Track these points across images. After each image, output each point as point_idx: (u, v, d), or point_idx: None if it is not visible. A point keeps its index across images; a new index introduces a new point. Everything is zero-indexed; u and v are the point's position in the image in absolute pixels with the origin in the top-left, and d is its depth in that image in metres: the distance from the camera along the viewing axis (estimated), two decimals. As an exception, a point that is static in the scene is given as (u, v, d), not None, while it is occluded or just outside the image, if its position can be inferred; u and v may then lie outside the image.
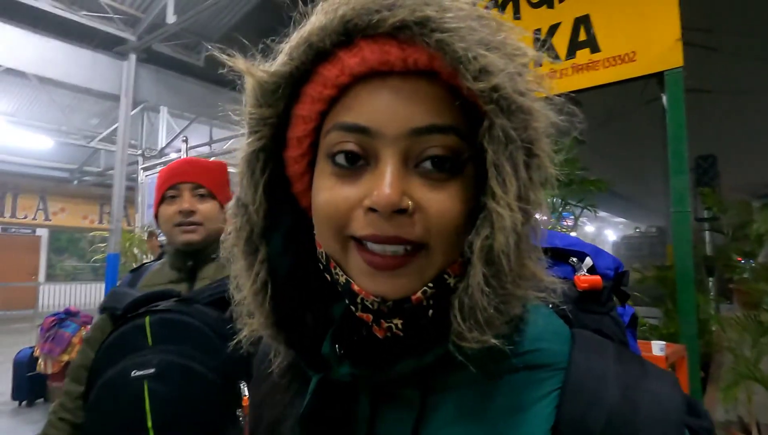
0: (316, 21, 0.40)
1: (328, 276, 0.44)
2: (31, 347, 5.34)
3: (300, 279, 0.46)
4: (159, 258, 1.44)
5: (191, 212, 1.28)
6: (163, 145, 9.44)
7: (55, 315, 5.18)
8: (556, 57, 3.00)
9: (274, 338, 0.46)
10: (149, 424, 1.02)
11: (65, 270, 13.88)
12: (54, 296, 11.92)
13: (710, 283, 6.37)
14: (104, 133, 9.67)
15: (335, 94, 0.40)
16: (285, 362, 0.49)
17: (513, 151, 0.36)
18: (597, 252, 0.66)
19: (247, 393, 1.12)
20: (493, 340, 0.38)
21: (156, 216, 1.35)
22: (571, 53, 3.04)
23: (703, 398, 3.07)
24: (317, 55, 0.40)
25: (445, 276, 0.41)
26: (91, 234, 8.30)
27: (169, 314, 1.14)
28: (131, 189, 8.28)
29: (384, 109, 0.38)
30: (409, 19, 0.36)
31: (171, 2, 5.87)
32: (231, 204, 0.46)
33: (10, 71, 6.59)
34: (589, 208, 3.29)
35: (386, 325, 0.41)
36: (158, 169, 7.40)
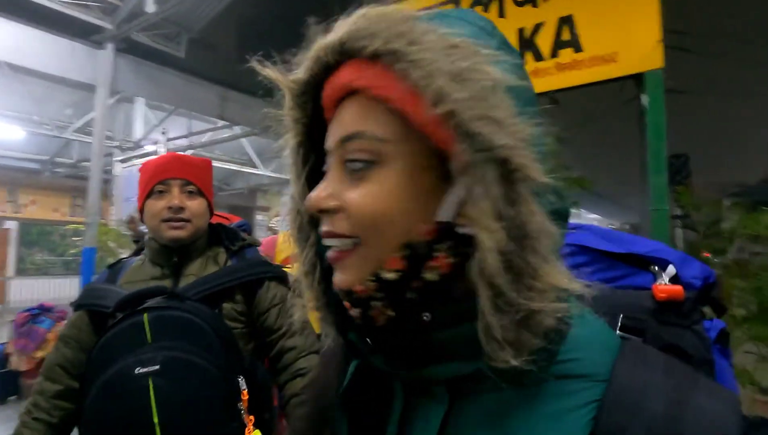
0: (328, 37, 0.45)
1: None
2: (1, 343, 5.19)
3: None
4: (136, 253, 1.43)
5: (181, 208, 1.29)
6: (140, 137, 9.26)
7: (28, 310, 5.06)
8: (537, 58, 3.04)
9: (324, 319, 0.51)
10: (155, 420, 1.02)
11: (36, 264, 13.49)
12: (25, 291, 11.59)
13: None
14: (78, 124, 9.42)
15: (335, 105, 0.47)
16: (335, 343, 0.53)
17: (481, 173, 0.38)
18: (684, 260, 0.63)
19: (245, 387, 1.13)
20: (525, 365, 0.38)
21: (141, 210, 1.34)
22: (554, 52, 3.09)
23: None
24: (326, 68, 0.46)
25: (380, 271, 0.43)
26: (65, 227, 8.08)
27: (168, 311, 1.13)
28: (106, 181, 8.12)
29: (336, 126, 0.45)
30: (381, 49, 0.41)
31: (151, -10, 5.74)
32: (285, 198, 0.53)
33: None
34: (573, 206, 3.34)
35: (354, 311, 0.45)
36: (135, 161, 7.32)
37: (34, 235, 13.52)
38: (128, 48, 6.46)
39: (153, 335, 1.10)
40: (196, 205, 1.32)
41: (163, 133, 6.36)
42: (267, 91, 0.51)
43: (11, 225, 13.08)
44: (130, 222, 3.77)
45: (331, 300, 0.49)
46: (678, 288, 0.57)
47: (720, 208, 4.69)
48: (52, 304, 5.30)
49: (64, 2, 5.71)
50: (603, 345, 0.45)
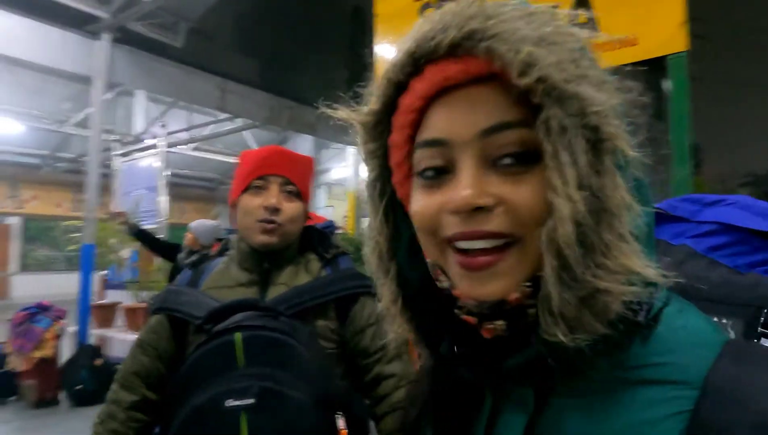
0: (392, 59, 0.45)
1: (438, 284, 0.47)
2: (0, 343, 5.11)
3: (430, 288, 0.50)
4: (221, 253, 1.32)
5: (276, 210, 1.17)
6: (141, 131, 9.14)
7: (26, 309, 4.95)
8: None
9: (416, 341, 0.51)
10: None
11: (39, 260, 13.49)
12: (27, 287, 11.59)
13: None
14: (77, 118, 9.30)
15: (416, 118, 0.44)
16: (428, 365, 0.56)
17: (570, 139, 0.37)
18: None
19: (343, 426, 1.02)
20: (568, 338, 0.37)
21: (233, 205, 1.23)
22: (570, 36, 2.93)
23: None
24: (397, 87, 0.45)
25: (542, 274, 0.40)
26: (65, 223, 8.01)
27: (264, 332, 1.02)
28: (106, 176, 8.01)
29: (453, 120, 0.42)
30: (458, 36, 0.40)
31: (146, -22, 5.57)
32: (366, 228, 0.53)
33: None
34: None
35: (489, 326, 0.43)
36: (135, 155, 7.22)
37: (36, 230, 13.52)
38: (124, 38, 6.30)
39: (246, 358, 1.00)
40: (293, 208, 1.20)
41: (162, 126, 6.21)
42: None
43: (13, 220, 13.06)
44: (118, 216, 3.80)
45: (418, 323, 0.50)
46: None
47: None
48: (49, 303, 5.21)
49: (56, -9, 5.55)
50: (701, 346, 0.41)
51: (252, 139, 10.93)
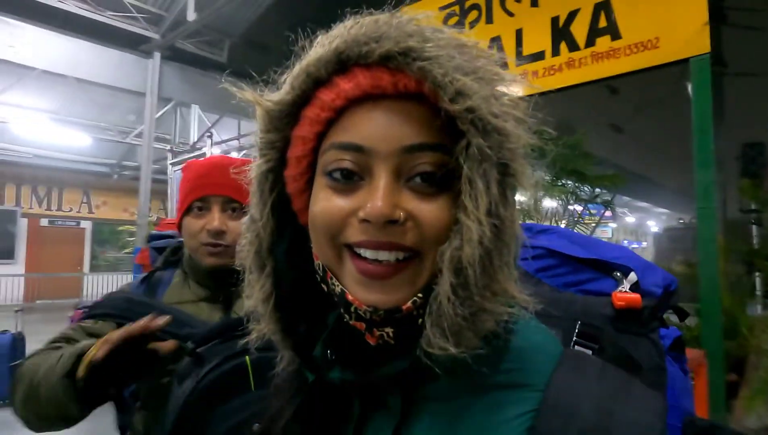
0: (313, 53, 0.44)
1: (324, 286, 0.47)
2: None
3: (303, 290, 0.50)
4: (167, 265, 1.25)
5: (221, 232, 1.11)
6: (195, 140, 9.66)
7: (84, 307, 5.33)
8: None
9: (280, 343, 0.51)
10: None
11: (107, 261, 14.46)
12: (97, 286, 12.46)
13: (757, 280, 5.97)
14: (139, 130, 9.97)
15: (332, 116, 0.44)
16: (291, 367, 0.54)
17: (487, 169, 0.39)
18: (646, 267, 0.64)
19: None
20: (455, 351, 0.39)
21: (179, 226, 1.18)
22: (590, 41, 2.87)
23: (736, 403, 2.91)
24: (315, 82, 0.44)
25: (434, 286, 0.42)
26: (120, 228, 8.58)
27: (269, 353, 0.99)
28: (164, 182, 8.53)
29: (377, 129, 0.42)
30: (394, 49, 0.40)
31: (191, 0, 5.94)
32: (245, 220, 0.51)
33: (48, 71, 6.83)
34: (605, 204, 3.12)
35: (378, 333, 0.44)
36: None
37: (105, 233, 14.51)
38: (174, 56, 6.73)
39: (256, 382, 0.95)
40: (238, 226, 1.09)
41: (209, 136, 6.57)
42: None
43: (86, 225, 14.10)
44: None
45: (288, 324, 0.50)
46: (636, 296, 0.58)
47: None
48: (106, 301, 5.59)
49: (113, 15, 6.03)
50: (545, 354, 0.46)
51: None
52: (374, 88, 0.42)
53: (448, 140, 0.41)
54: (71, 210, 13.80)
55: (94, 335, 1.01)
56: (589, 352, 0.54)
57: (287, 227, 0.50)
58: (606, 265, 0.63)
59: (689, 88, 2.53)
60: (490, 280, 0.40)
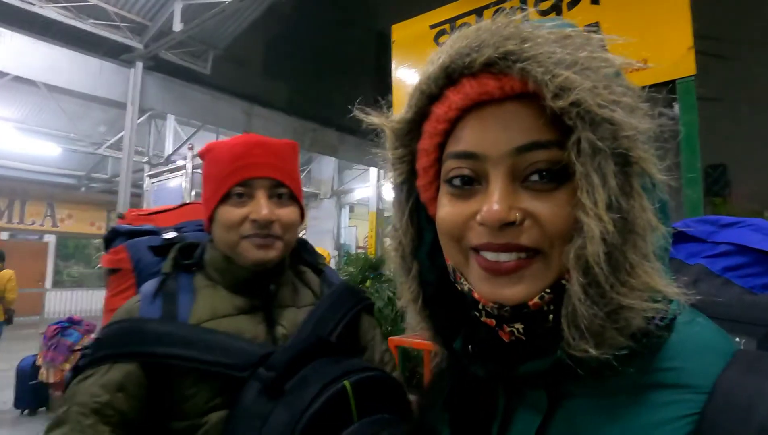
0: (425, 71, 0.46)
1: (458, 287, 0.49)
2: (34, 355, 5.32)
3: (447, 290, 0.52)
4: (177, 266, 1.00)
5: (270, 222, 0.93)
6: (171, 153, 9.48)
7: (58, 323, 5.17)
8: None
9: (433, 339, 0.53)
10: None
11: (72, 276, 13.93)
12: (60, 302, 11.94)
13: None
14: (112, 141, 9.72)
15: (448, 127, 0.46)
16: (444, 363, 0.57)
17: (601, 162, 0.38)
18: None
19: None
20: (596, 352, 0.38)
21: (210, 218, 0.97)
22: (580, 61, 2.98)
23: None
24: (430, 98, 0.47)
25: (563, 281, 0.42)
26: (96, 240, 8.31)
27: (367, 373, 0.85)
28: (138, 196, 8.31)
29: (488, 135, 0.43)
30: (494, 55, 0.41)
31: (178, 10, 5.89)
32: (389, 229, 0.55)
33: (18, 79, 6.62)
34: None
35: (508, 329, 0.45)
36: (164, 175, 7.51)
37: (70, 248, 13.99)
38: (156, 66, 6.64)
39: (359, 410, 0.82)
40: (288, 214, 0.97)
41: (190, 148, 6.46)
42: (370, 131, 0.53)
43: (49, 238, 13.56)
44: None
45: (435, 322, 0.52)
46: None
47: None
48: (80, 317, 5.41)
49: (95, 23, 5.91)
50: (712, 353, 0.43)
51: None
52: (482, 94, 0.42)
53: (561, 136, 0.40)
54: (34, 223, 13.27)
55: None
56: None
57: (428, 231, 0.53)
58: None
59: (674, 108, 2.66)
60: (627, 275, 0.38)
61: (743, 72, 7.02)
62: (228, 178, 0.93)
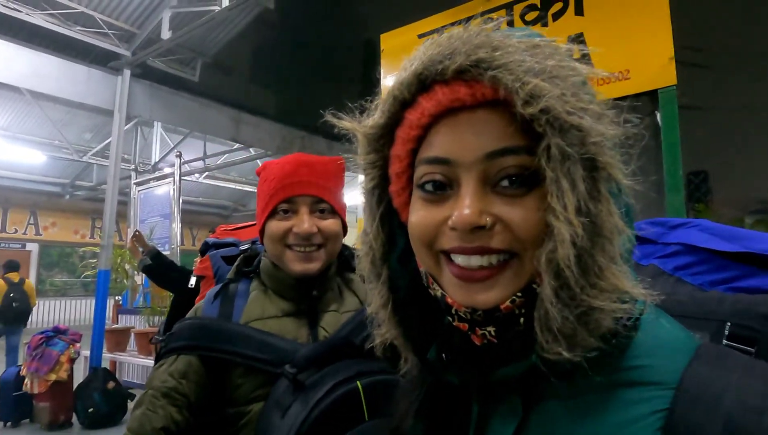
0: (398, 77, 0.47)
1: (431, 292, 0.50)
2: (17, 366, 5.23)
3: (419, 295, 0.52)
4: (239, 273, 1.15)
5: (311, 235, 1.03)
6: (157, 160, 9.43)
7: (43, 333, 5.08)
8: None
9: (403, 346, 0.53)
10: None
11: (55, 285, 13.70)
12: (44, 312, 11.75)
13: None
14: (97, 148, 9.63)
15: (420, 133, 0.46)
16: (414, 370, 0.55)
17: (570, 167, 0.39)
18: None
19: None
20: (568, 355, 0.39)
21: (261, 232, 1.09)
22: (565, 71, 3.05)
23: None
24: (403, 104, 0.47)
25: (534, 285, 0.43)
26: (82, 249, 8.21)
27: (381, 376, 0.91)
28: (123, 204, 8.24)
29: (460, 141, 0.43)
30: (466, 62, 0.42)
31: (166, 18, 5.88)
32: (360, 233, 0.55)
33: (2, 85, 6.55)
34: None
35: (480, 332, 0.45)
36: (151, 183, 7.45)
37: (54, 256, 13.77)
38: (144, 73, 6.61)
39: (369, 410, 0.88)
40: (329, 225, 1.06)
41: (177, 156, 6.43)
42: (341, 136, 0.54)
43: (32, 247, 13.35)
44: (136, 238, 3.10)
45: (405, 328, 0.52)
46: None
47: (741, 225, 4.55)
48: (65, 327, 5.34)
49: (82, 30, 5.88)
50: (676, 350, 0.44)
51: (265, 168, 11.19)
52: (454, 101, 0.43)
53: (531, 142, 0.41)
54: (16, 231, 13.06)
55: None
56: None
57: (400, 236, 0.53)
58: (761, 259, 0.57)
59: (657, 117, 2.73)
60: (596, 277, 0.39)
61: (723, 81, 7.19)
62: (275, 196, 1.04)
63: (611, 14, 2.97)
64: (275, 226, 1.04)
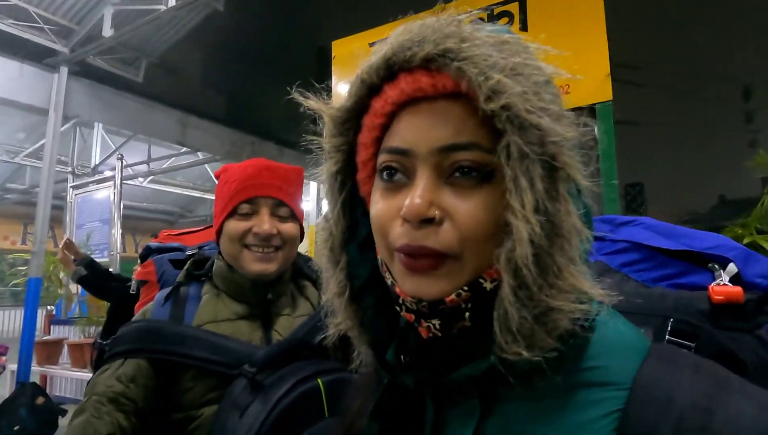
0: (367, 61, 0.46)
1: (386, 280, 0.49)
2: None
3: (378, 286, 0.51)
4: (190, 276, 1.14)
5: (271, 236, 1.04)
6: (97, 163, 8.98)
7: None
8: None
9: (357, 338, 0.52)
10: None
11: (-21, 295, 12.78)
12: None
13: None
14: (31, 149, 9.08)
15: (385, 121, 0.46)
16: (369, 367, 0.55)
17: (529, 166, 0.39)
18: (748, 256, 0.58)
19: None
20: (528, 354, 0.39)
21: (218, 231, 1.09)
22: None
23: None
24: (371, 90, 0.47)
25: (481, 280, 0.43)
26: (12, 256, 7.70)
27: (341, 374, 0.92)
28: (59, 208, 7.79)
29: (418, 132, 0.44)
30: (433, 51, 0.42)
31: (108, 15, 5.63)
32: (321, 219, 0.54)
33: None
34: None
35: (426, 324, 0.45)
36: (90, 187, 7.09)
37: (-20, 264, 12.84)
38: (84, 72, 6.30)
39: (329, 407, 0.90)
40: (288, 229, 1.08)
41: (119, 159, 6.16)
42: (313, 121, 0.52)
43: (-45, 254, 12.41)
44: (67, 246, 2.85)
45: (363, 319, 0.51)
46: (737, 289, 0.53)
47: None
48: (-10, 339, 4.98)
49: (15, 24, 5.55)
50: (629, 350, 0.44)
51: (212, 173, 10.90)
52: (416, 91, 0.43)
53: (492, 138, 0.41)
54: (-62, 237, 12.11)
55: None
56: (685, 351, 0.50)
57: (364, 225, 0.52)
58: (700, 257, 0.58)
59: (595, 130, 2.86)
60: (555, 277, 0.39)
61: (657, 98, 7.63)
62: (236, 196, 1.05)
63: (553, 32, 3.09)
64: (234, 225, 1.05)
